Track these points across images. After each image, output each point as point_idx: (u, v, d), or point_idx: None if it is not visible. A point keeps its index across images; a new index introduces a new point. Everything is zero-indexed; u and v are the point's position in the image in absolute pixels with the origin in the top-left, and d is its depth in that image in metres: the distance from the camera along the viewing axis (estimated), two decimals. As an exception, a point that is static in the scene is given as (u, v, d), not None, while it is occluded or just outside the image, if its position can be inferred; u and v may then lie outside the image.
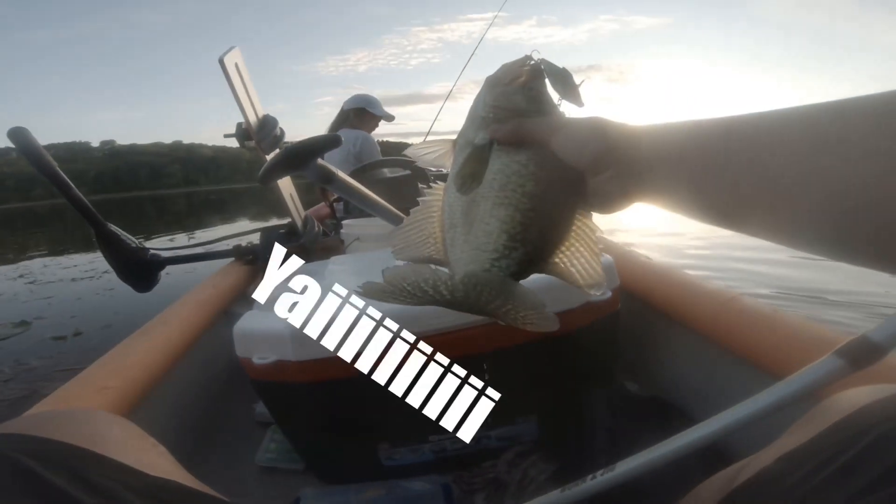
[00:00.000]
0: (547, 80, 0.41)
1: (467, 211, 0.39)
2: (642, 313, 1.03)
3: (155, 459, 0.44)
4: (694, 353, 0.91)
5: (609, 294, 0.82)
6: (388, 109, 2.74)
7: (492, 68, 0.43)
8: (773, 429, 0.40)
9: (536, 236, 0.38)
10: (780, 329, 0.71)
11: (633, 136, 0.34)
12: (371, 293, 0.39)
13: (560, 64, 0.40)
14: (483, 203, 0.39)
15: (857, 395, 0.37)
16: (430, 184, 0.44)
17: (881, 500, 0.28)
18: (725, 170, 0.28)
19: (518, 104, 0.39)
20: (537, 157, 0.38)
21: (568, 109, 0.41)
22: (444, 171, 0.44)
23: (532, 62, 0.40)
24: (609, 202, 0.36)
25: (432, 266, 0.39)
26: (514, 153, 0.38)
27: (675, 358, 0.98)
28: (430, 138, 0.46)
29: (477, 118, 0.41)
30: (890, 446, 0.30)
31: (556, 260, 0.40)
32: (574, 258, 0.40)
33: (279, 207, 1.36)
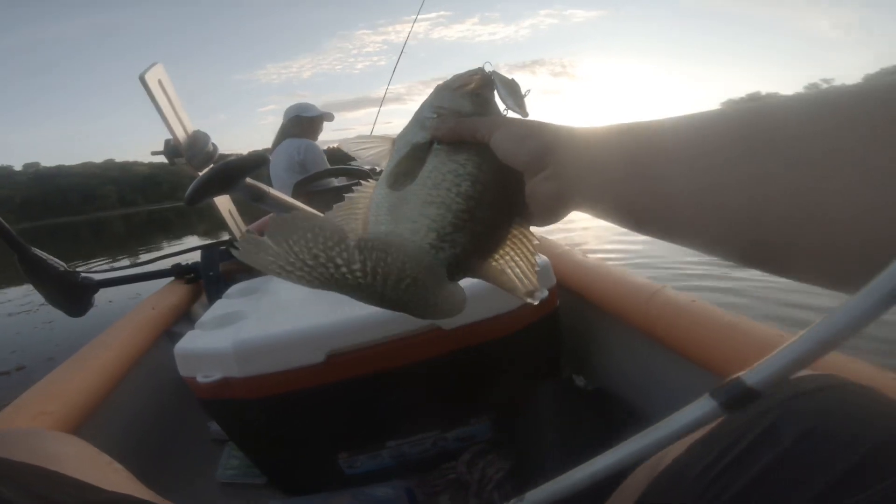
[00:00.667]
0: (495, 91, 0.40)
1: (395, 207, 0.37)
2: (581, 309, 1.08)
3: (111, 476, 0.43)
4: (629, 345, 0.97)
5: (545, 294, 0.86)
6: (337, 115, 2.73)
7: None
8: None
9: (467, 239, 0.36)
10: (697, 319, 0.76)
11: (570, 137, 0.34)
12: (246, 255, 0.32)
13: (508, 67, 0.41)
14: (413, 200, 0.37)
15: None
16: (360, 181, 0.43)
17: (773, 483, 0.30)
18: (642, 180, 0.28)
19: (463, 106, 0.39)
20: (476, 158, 0.37)
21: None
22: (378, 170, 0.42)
23: (484, 72, 0.40)
24: (544, 207, 0.35)
25: (329, 222, 0.33)
26: (452, 153, 0.37)
27: (613, 350, 1.03)
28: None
29: (419, 119, 0.40)
30: (781, 430, 0.32)
31: (490, 266, 0.38)
32: (508, 266, 0.38)
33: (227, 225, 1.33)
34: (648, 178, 0.27)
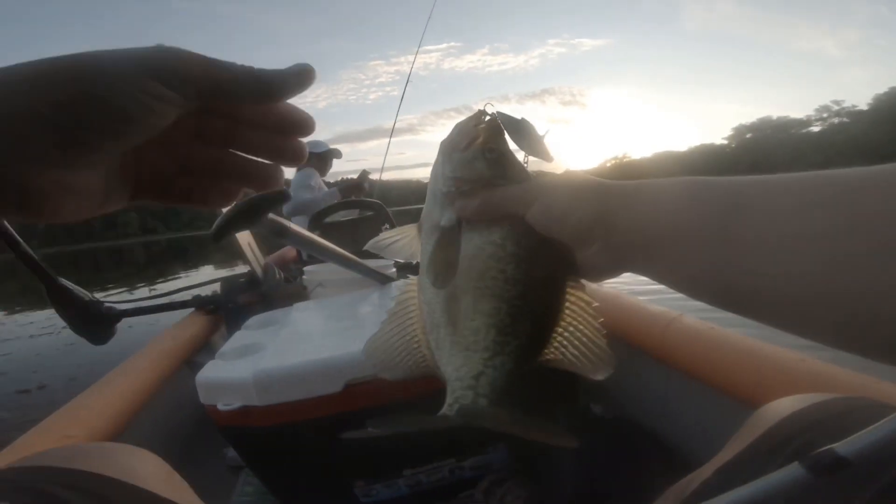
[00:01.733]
0: (507, 136, 0.36)
1: (447, 308, 0.35)
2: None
3: (179, 491, 0.45)
4: (648, 373, 0.96)
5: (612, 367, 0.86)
6: (350, 146, 2.92)
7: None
8: (728, 436, 0.43)
9: (529, 325, 0.34)
10: (717, 345, 0.76)
11: (626, 198, 0.30)
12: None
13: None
14: (463, 297, 0.34)
15: (782, 406, 0.39)
16: (385, 226, 0.41)
17: None
18: (731, 246, 0.25)
19: (480, 171, 0.34)
20: (514, 232, 0.33)
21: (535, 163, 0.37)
22: (415, 262, 0.38)
23: (487, 117, 0.35)
24: (599, 275, 0.33)
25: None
26: (486, 232, 0.34)
27: (632, 379, 1.02)
28: (391, 231, 0.40)
29: (438, 195, 0.36)
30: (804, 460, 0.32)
31: (556, 345, 0.35)
32: (575, 339, 0.35)
33: (244, 255, 1.36)
34: (740, 244, 0.25)
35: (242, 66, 0.23)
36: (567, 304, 0.35)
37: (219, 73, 0.22)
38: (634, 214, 0.29)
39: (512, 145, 0.36)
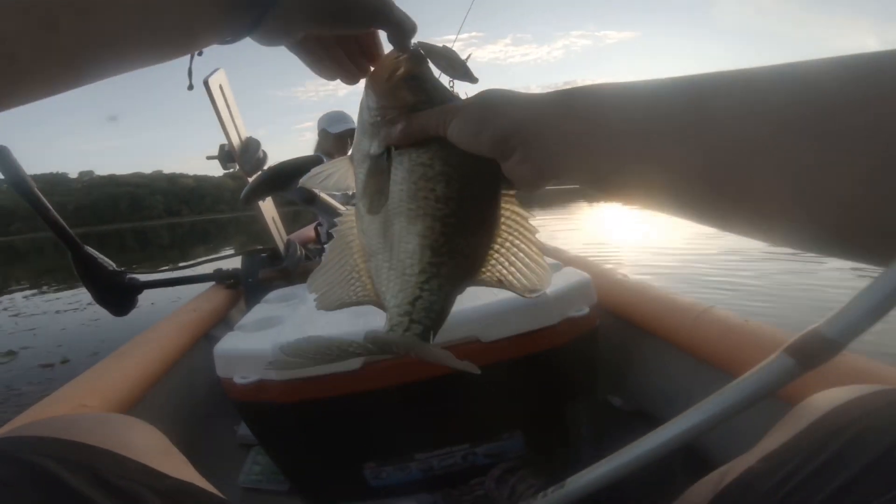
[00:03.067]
0: (431, 64, 0.37)
1: (383, 233, 0.35)
2: (621, 329, 1.05)
3: (174, 463, 0.43)
4: (673, 366, 0.93)
5: (587, 311, 0.84)
6: None
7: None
8: (758, 430, 0.41)
9: (463, 244, 0.34)
10: (751, 337, 0.73)
11: (538, 108, 0.30)
12: (280, 366, 0.35)
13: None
14: (397, 221, 0.34)
15: (833, 396, 0.38)
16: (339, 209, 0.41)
17: (855, 499, 0.29)
18: (696, 144, 0.24)
19: (405, 99, 0.35)
20: (441, 152, 0.34)
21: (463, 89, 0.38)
22: (351, 192, 0.39)
23: (411, 50, 0.37)
24: (527, 185, 0.33)
25: (325, 337, 0.34)
26: (415, 155, 0.34)
27: (655, 371, 1.00)
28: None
29: (366, 125, 0.37)
30: (863, 446, 0.30)
31: (494, 263, 0.35)
32: (513, 256, 0.35)
33: (264, 237, 1.36)
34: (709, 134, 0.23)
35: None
36: (503, 219, 0.35)
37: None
38: (550, 126, 0.29)
39: (438, 74, 0.37)
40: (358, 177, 0.37)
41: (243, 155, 0.93)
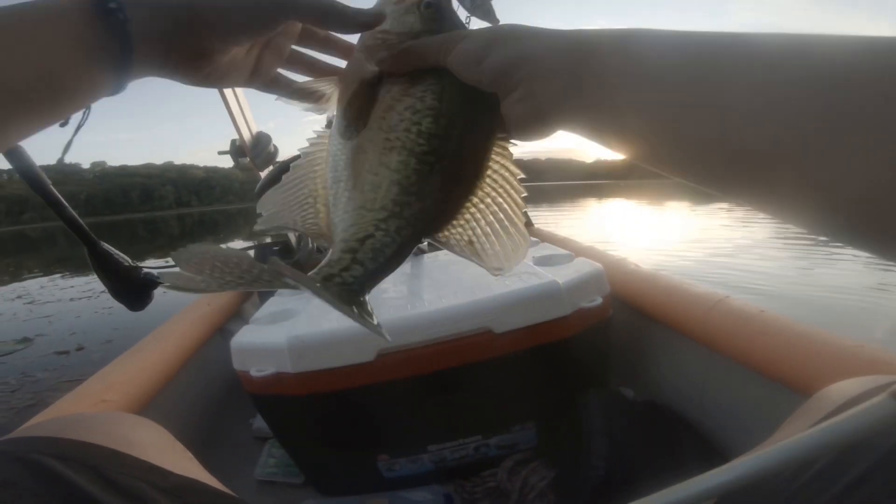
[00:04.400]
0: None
1: (352, 160, 0.32)
2: (634, 320, 1.04)
3: (179, 460, 0.44)
4: (686, 357, 0.93)
5: (600, 301, 0.84)
6: None
7: None
8: (772, 422, 0.41)
9: (436, 188, 0.30)
10: (767, 329, 0.72)
11: (552, 43, 0.27)
12: (174, 281, 0.29)
13: None
14: (371, 149, 0.31)
15: (847, 388, 0.37)
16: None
17: (866, 496, 0.28)
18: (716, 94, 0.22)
19: (412, 26, 0.32)
20: (436, 86, 0.31)
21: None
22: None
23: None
24: (523, 128, 0.30)
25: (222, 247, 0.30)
26: (407, 85, 0.31)
27: (668, 362, 1.00)
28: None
29: (362, 48, 0.33)
30: (876, 443, 0.30)
31: (468, 219, 0.31)
32: (490, 216, 0.31)
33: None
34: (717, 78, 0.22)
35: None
36: (490, 172, 0.31)
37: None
38: (560, 62, 0.26)
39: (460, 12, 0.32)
40: (342, 98, 0.33)
41: (254, 149, 0.93)
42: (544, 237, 1.43)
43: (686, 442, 0.83)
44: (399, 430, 0.85)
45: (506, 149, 0.31)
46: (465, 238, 0.31)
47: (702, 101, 0.23)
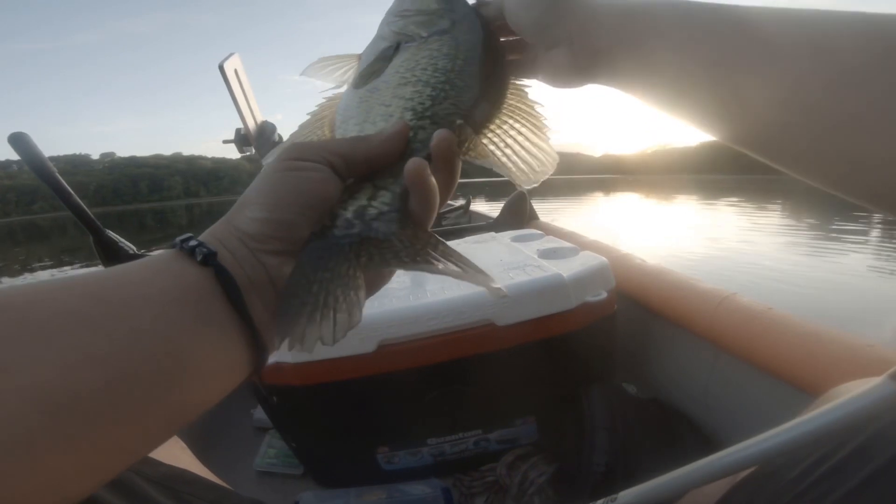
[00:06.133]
0: None
1: (365, 99, 0.32)
2: (639, 315, 1.03)
3: (170, 450, 0.43)
4: (691, 354, 0.91)
5: (605, 296, 0.83)
6: None
7: None
8: (778, 423, 0.40)
9: (451, 111, 0.30)
10: (775, 327, 0.70)
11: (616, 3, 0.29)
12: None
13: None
14: (384, 87, 0.32)
15: (854, 388, 0.36)
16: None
17: (874, 497, 0.28)
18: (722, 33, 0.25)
19: (428, 5, 0.34)
20: (452, 40, 0.32)
21: None
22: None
23: None
24: (560, 78, 0.32)
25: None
26: (424, 44, 0.33)
27: (672, 359, 0.98)
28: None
29: (384, 29, 0.35)
30: (886, 441, 0.29)
31: (486, 141, 0.32)
32: (510, 139, 0.32)
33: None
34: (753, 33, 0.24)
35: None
36: (509, 103, 0.32)
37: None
38: (601, 15, 0.28)
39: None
40: (360, 65, 0.35)
41: (259, 138, 0.93)
42: (549, 230, 1.42)
43: (689, 440, 0.82)
44: (399, 423, 0.84)
45: (521, 89, 0.33)
46: (494, 156, 0.32)
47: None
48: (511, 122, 0.32)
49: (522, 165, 0.31)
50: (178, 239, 0.25)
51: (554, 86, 0.33)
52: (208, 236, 0.26)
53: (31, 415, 0.17)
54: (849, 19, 0.22)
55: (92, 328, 0.20)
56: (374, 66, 0.33)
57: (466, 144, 0.30)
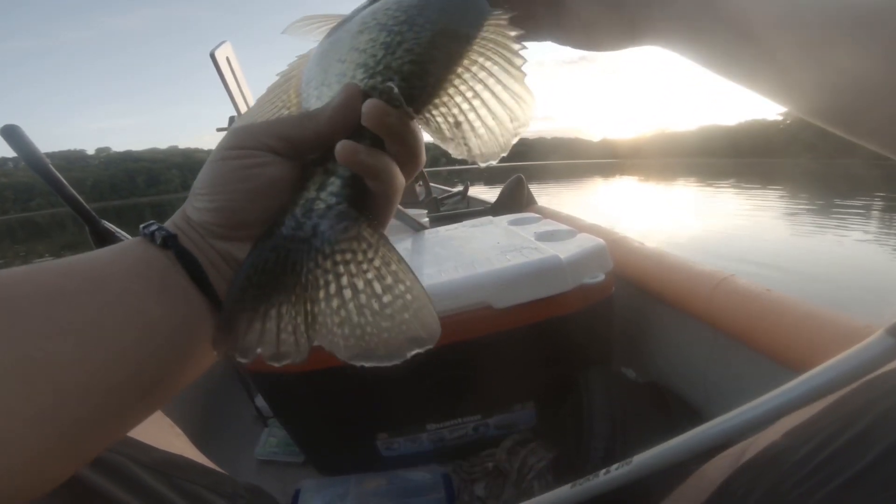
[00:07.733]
0: None
1: (325, 53, 0.29)
2: (637, 298, 1.03)
3: (165, 436, 0.43)
4: (689, 337, 0.91)
5: (602, 278, 0.82)
6: None
7: None
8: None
9: (405, 59, 0.26)
10: (773, 308, 0.70)
11: None
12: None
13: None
14: (345, 38, 0.28)
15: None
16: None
17: (876, 482, 0.27)
18: None
19: None
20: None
21: None
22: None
23: None
24: (601, 41, 0.29)
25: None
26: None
27: (670, 342, 0.98)
28: None
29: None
30: (892, 423, 0.29)
31: (450, 93, 0.26)
32: (481, 80, 0.26)
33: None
34: None
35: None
36: (483, 40, 0.26)
37: None
38: None
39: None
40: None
41: (252, 126, 0.92)
42: (547, 214, 1.41)
43: (688, 424, 0.82)
44: (398, 409, 0.84)
45: (503, 19, 0.26)
46: (451, 119, 0.26)
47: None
48: (480, 60, 0.26)
49: (501, 114, 0.25)
50: (142, 226, 0.27)
51: (579, 47, 0.29)
52: (169, 224, 0.28)
53: (12, 386, 0.19)
54: None
55: (66, 302, 0.22)
56: (352, 14, 0.29)
57: (425, 105, 0.26)
